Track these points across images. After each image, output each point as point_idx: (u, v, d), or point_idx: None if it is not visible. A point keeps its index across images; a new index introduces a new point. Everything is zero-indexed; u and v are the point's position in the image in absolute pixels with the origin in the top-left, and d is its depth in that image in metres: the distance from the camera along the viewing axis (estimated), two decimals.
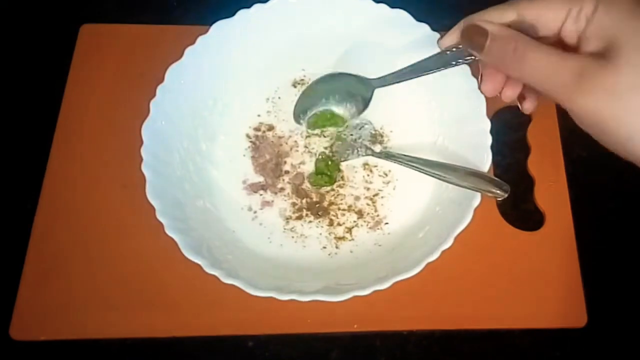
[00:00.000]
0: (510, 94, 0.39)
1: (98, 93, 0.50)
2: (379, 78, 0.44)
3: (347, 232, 0.45)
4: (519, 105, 0.41)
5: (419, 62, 0.42)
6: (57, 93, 0.50)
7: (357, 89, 0.46)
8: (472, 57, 0.38)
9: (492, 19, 0.35)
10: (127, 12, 0.55)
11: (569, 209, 0.47)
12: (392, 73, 0.43)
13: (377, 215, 0.46)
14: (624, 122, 0.29)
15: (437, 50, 0.41)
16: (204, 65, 0.46)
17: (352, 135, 0.49)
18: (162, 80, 0.43)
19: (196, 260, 0.37)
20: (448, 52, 0.40)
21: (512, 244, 0.46)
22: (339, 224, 0.46)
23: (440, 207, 0.44)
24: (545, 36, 0.34)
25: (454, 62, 0.40)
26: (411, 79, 0.43)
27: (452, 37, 0.38)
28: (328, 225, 0.46)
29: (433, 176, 0.43)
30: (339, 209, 0.46)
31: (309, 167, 0.48)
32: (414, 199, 0.46)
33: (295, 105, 0.47)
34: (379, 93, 0.51)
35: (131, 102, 0.45)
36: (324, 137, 0.49)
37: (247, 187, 0.47)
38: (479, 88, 0.39)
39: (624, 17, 0.29)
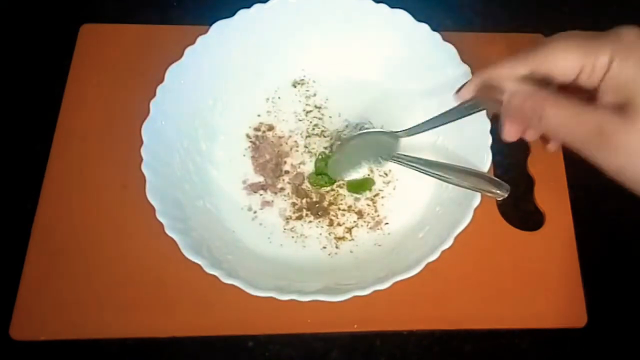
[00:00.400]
0: (532, 136, 0.39)
1: (98, 93, 0.50)
2: (403, 130, 0.46)
3: (347, 232, 0.45)
4: (543, 146, 0.41)
5: (439, 115, 0.43)
6: (57, 93, 0.50)
7: (386, 144, 0.47)
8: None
9: (504, 74, 0.34)
10: (127, 12, 0.55)
11: (569, 209, 0.47)
12: (415, 126, 0.45)
13: (377, 216, 0.46)
14: None
15: (435, 49, 0.40)
16: (204, 65, 0.46)
17: (352, 135, 0.48)
18: (162, 80, 0.43)
19: (196, 260, 0.37)
20: (466, 104, 0.41)
21: (512, 244, 0.46)
22: (339, 224, 0.46)
23: (440, 207, 0.44)
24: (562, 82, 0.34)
25: (472, 111, 0.41)
26: (433, 128, 0.44)
27: (469, 91, 0.38)
28: (328, 226, 0.46)
29: (433, 176, 0.43)
30: (339, 209, 0.46)
31: (309, 167, 0.48)
32: (414, 199, 0.46)
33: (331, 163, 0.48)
34: (379, 93, 0.51)
35: (131, 102, 0.45)
36: (324, 137, 0.49)
37: (247, 187, 0.47)
38: (502, 135, 0.38)
39: None
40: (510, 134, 0.37)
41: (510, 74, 0.34)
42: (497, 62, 0.35)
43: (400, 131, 0.46)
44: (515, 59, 0.34)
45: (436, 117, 0.44)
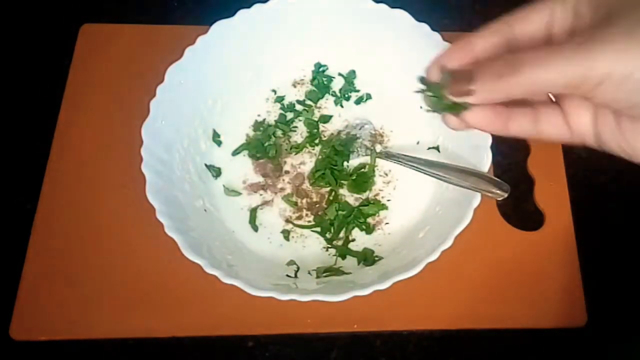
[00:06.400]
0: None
1: (98, 93, 0.50)
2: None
3: (347, 232, 0.45)
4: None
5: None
6: (57, 93, 0.50)
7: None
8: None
9: (485, 42, 0.29)
10: (127, 12, 0.55)
11: (569, 209, 0.47)
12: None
13: (377, 216, 0.46)
14: None
15: (435, 49, 0.39)
16: (204, 65, 0.46)
17: (352, 135, 0.49)
18: (162, 80, 0.43)
19: (196, 260, 0.37)
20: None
21: (512, 244, 0.46)
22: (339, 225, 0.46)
23: (440, 207, 0.44)
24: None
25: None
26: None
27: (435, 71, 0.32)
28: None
29: (433, 176, 0.43)
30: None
31: (309, 167, 0.48)
32: (414, 199, 0.46)
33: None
34: (379, 93, 0.51)
35: (131, 102, 0.45)
36: (324, 137, 0.49)
37: (247, 187, 0.47)
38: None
39: None
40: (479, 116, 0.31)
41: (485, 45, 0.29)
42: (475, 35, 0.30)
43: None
44: (485, 33, 0.29)
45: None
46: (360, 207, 0.46)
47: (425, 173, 0.44)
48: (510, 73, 0.26)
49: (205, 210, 0.44)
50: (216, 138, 0.48)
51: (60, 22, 0.54)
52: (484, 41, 0.29)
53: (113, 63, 0.51)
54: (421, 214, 0.45)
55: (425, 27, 0.46)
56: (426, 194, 0.46)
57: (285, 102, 0.50)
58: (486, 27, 0.30)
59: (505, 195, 0.41)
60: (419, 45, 0.47)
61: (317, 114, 0.50)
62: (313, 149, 0.49)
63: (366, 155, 0.48)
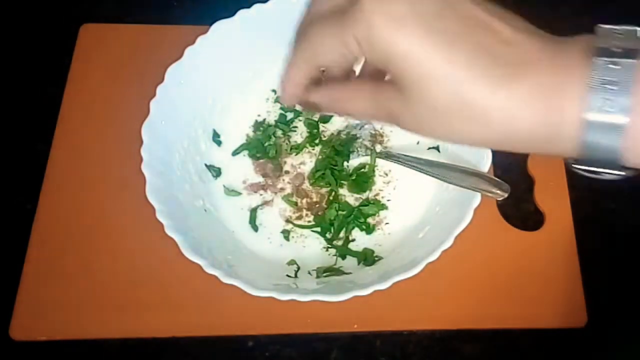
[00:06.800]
0: None
1: (98, 93, 0.50)
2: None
3: (347, 232, 0.45)
4: None
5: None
6: (57, 93, 0.50)
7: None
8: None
9: (299, 80, 0.31)
10: (127, 12, 0.55)
11: (569, 209, 0.47)
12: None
13: (377, 215, 0.46)
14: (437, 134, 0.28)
15: None
16: (204, 65, 0.46)
17: (352, 135, 0.49)
18: (162, 80, 0.43)
19: (196, 260, 0.37)
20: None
21: (512, 244, 0.46)
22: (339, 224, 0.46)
23: (440, 207, 0.44)
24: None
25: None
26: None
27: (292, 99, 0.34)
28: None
29: (433, 176, 0.43)
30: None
31: (309, 167, 0.48)
32: (414, 199, 0.46)
33: None
34: None
35: (131, 102, 0.45)
36: (324, 137, 0.49)
37: (247, 187, 0.47)
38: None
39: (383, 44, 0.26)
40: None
41: (303, 79, 0.31)
42: (287, 74, 0.31)
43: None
44: (295, 67, 0.30)
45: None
46: (360, 207, 0.46)
47: (425, 173, 0.44)
48: (340, 112, 0.32)
49: (205, 210, 0.44)
50: (216, 138, 0.48)
51: (60, 22, 0.54)
52: (303, 74, 0.30)
53: (113, 63, 0.51)
54: (421, 214, 0.45)
55: None
56: (426, 194, 0.46)
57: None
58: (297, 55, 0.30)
59: (505, 195, 0.41)
60: None
61: (317, 114, 0.50)
62: (313, 149, 0.49)
63: (366, 155, 0.48)
